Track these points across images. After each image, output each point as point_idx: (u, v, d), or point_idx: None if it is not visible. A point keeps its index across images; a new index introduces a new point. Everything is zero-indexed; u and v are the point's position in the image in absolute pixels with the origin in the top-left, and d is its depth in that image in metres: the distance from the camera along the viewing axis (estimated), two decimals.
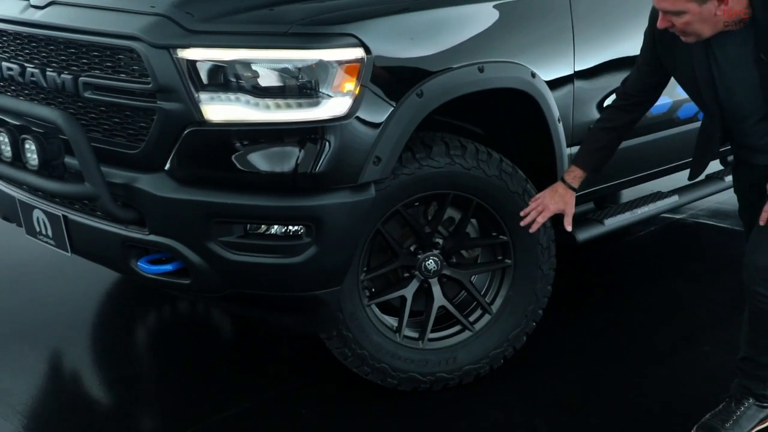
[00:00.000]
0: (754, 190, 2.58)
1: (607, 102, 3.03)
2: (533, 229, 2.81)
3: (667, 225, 4.65)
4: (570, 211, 2.81)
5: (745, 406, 2.62)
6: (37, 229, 2.87)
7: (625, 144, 3.37)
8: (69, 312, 3.58)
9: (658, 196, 3.80)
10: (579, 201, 3.40)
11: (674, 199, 3.77)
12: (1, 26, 2.86)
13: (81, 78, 2.57)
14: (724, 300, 3.66)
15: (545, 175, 3.02)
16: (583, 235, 3.37)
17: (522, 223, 2.82)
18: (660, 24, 2.31)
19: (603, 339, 3.36)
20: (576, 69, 3.04)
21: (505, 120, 3.11)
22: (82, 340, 3.41)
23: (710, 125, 2.58)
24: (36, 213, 2.84)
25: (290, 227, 2.50)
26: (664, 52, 2.51)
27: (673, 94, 3.48)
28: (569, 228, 2.81)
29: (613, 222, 3.47)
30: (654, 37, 2.51)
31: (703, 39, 2.30)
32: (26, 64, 2.76)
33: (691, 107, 3.34)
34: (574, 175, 2.81)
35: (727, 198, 4.59)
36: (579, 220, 3.49)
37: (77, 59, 2.60)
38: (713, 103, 2.45)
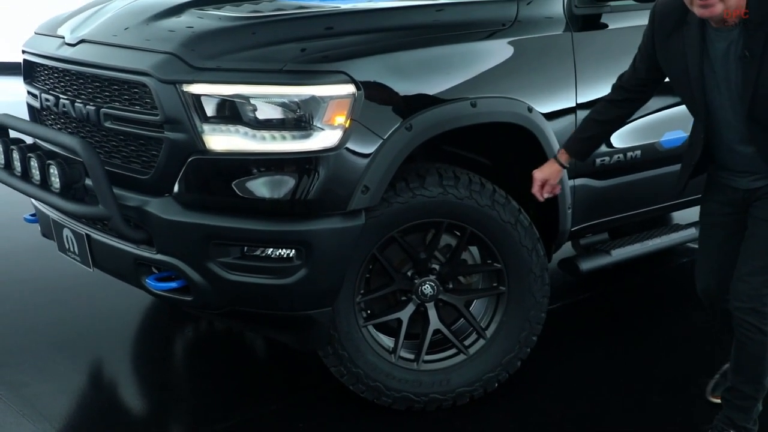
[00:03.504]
0: (730, 215, 2.64)
1: None
2: (541, 198, 2.90)
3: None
4: (552, 180, 2.87)
5: None
6: (67, 246, 3.14)
7: (638, 175, 3.48)
8: (98, 326, 3.83)
9: (674, 228, 3.83)
10: (592, 231, 3.51)
11: (690, 232, 3.79)
12: (42, 61, 3.17)
13: (102, 109, 2.83)
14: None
15: (550, 204, 3.13)
16: (587, 265, 3.45)
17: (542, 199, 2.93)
18: None
19: (601, 367, 3.42)
20: (578, 102, 3.14)
21: (509, 152, 3.23)
22: (109, 352, 3.65)
23: (695, 130, 2.63)
24: (65, 231, 3.11)
25: (283, 250, 2.67)
26: (660, 49, 2.57)
27: (689, 128, 3.53)
28: (539, 196, 2.89)
29: (620, 253, 3.53)
30: (653, 35, 2.60)
31: (720, 17, 2.32)
32: (60, 96, 3.04)
33: None
34: (563, 156, 2.90)
35: None
36: (586, 250, 3.58)
37: (101, 92, 2.86)
38: (701, 99, 2.50)
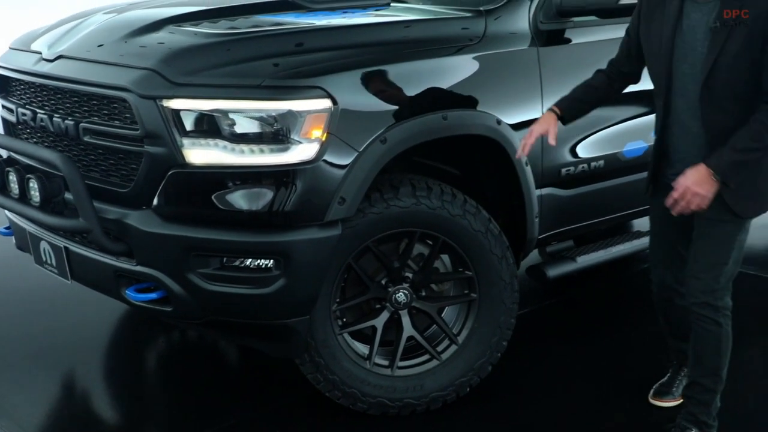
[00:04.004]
0: (678, 219, 2.75)
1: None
2: (525, 152, 2.88)
3: None
4: (553, 130, 2.86)
5: None
6: (44, 259, 3.17)
7: (602, 185, 3.60)
8: (74, 337, 3.86)
9: (636, 235, 3.97)
10: (558, 239, 3.63)
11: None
12: (19, 76, 3.20)
13: (81, 124, 2.87)
14: None
15: (518, 212, 3.24)
16: (554, 272, 3.56)
17: (517, 156, 2.99)
18: None
19: (570, 369, 3.53)
20: (545, 111, 3.24)
21: (479, 163, 3.33)
22: (86, 363, 3.67)
23: (657, 108, 2.77)
24: (43, 244, 3.14)
25: (261, 260, 2.74)
26: (644, 23, 2.74)
27: (649, 138, 3.67)
28: (553, 142, 2.87)
29: (585, 260, 3.65)
30: (639, 12, 2.77)
31: None
32: (37, 110, 3.07)
33: None
34: (556, 109, 2.93)
35: None
36: (552, 257, 3.70)
37: (79, 107, 2.90)
38: (667, 68, 2.64)
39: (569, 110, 2.92)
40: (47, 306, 4.15)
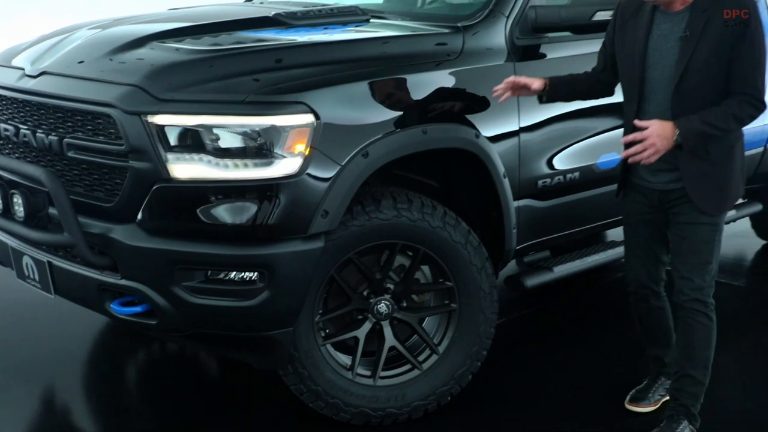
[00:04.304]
0: (649, 213, 2.94)
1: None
2: (501, 100, 3.02)
3: None
4: (538, 84, 3.01)
5: (680, 428, 2.93)
6: (26, 273, 3.18)
7: (577, 196, 3.69)
8: (53, 351, 3.86)
9: (611, 245, 4.05)
10: (535, 249, 3.70)
11: None
12: (1, 92, 3.21)
13: (65, 139, 2.89)
14: None
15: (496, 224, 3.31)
16: (531, 282, 3.63)
17: (494, 95, 3.05)
18: None
19: (548, 377, 3.60)
20: (521, 125, 3.33)
21: (458, 176, 3.40)
22: (66, 376, 3.67)
23: (627, 118, 2.91)
24: (25, 259, 3.14)
25: (246, 273, 2.78)
26: (618, 34, 2.91)
27: (621, 150, 3.76)
28: (535, 85, 3.01)
29: (562, 269, 3.73)
30: (614, 24, 2.95)
31: (672, 1, 2.74)
32: (20, 126, 3.09)
33: None
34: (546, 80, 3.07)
35: None
36: (530, 267, 3.77)
37: (63, 122, 2.92)
38: (640, 75, 2.80)
39: (557, 86, 3.06)
40: (28, 319, 4.14)
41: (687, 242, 2.87)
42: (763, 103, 2.73)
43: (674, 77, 2.72)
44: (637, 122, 2.74)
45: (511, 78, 3.02)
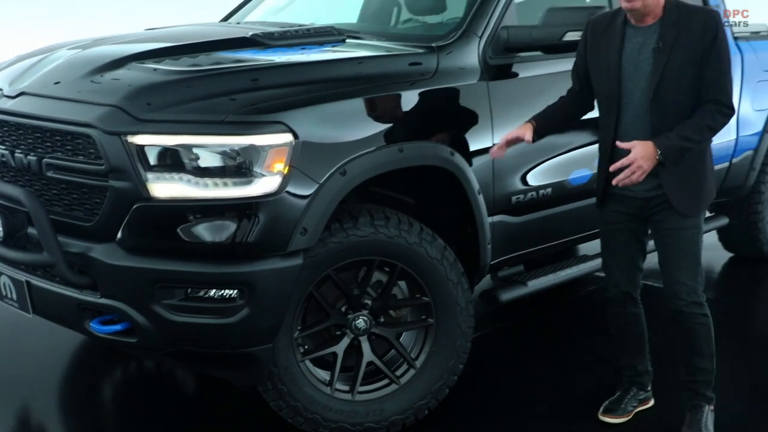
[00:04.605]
0: (629, 222, 3.09)
1: None
2: (498, 151, 3.16)
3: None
4: (527, 136, 3.11)
5: (705, 415, 3.14)
6: (4, 293, 3.17)
7: (550, 211, 3.76)
8: (32, 370, 3.84)
9: (583, 259, 4.14)
10: (509, 264, 3.77)
11: (597, 262, 4.08)
12: None
13: (45, 159, 2.91)
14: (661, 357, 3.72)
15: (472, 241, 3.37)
16: (506, 296, 3.70)
17: (491, 152, 3.23)
18: None
19: (524, 389, 3.67)
20: (495, 143, 3.39)
21: (434, 192, 3.45)
22: (44, 396, 3.66)
23: (606, 128, 3.04)
24: (3, 278, 3.14)
25: (226, 291, 2.80)
26: (591, 50, 3.07)
27: (593, 166, 3.85)
28: (527, 136, 3.11)
29: (535, 284, 3.80)
30: (585, 41, 3.10)
31: (644, 16, 2.90)
32: None
33: None
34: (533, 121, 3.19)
35: None
36: (504, 282, 3.84)
37: (42, 143, 2.94)
38: (617, 86, 2.95)
39: (543, 124, 3.17)
40: (5, 339, 4.11)
41: (674, 247, 3.03)
42: (733, 109, 2.92)
43: (651, 86, 2.89)
44: (619, 143, 2.88)
45: (503, 138, 3.14)
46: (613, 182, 2.88)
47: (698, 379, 3.15)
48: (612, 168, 2.89)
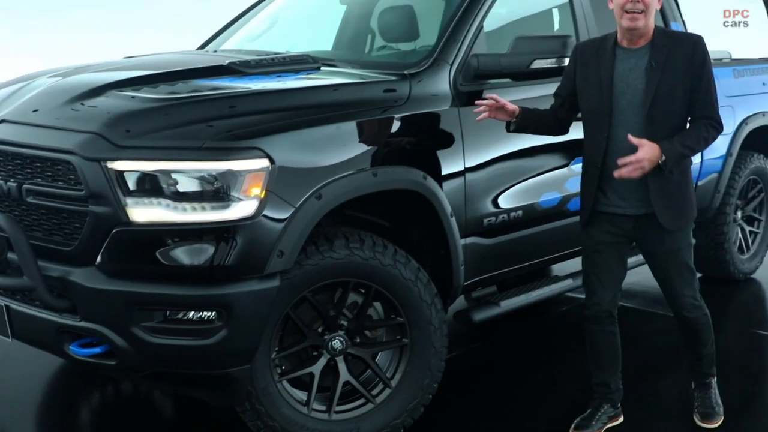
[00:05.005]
0: (616, 243, 3.26)
1: None
2: (479, 118, 3.29)
3: (579, 305, 5.06)
4: (512, 107, 3.28)
5: (713, 389, 3.54)
6: None
7: (521, 233, 3.86)
8: (10, 393, 3.87)
9: (554, 279, 4.24)
10: (482, 285, 3.85)
11: (568, 283, 4.21)
12: None
13: (24, 185, 2.96)
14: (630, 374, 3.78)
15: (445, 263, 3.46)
16: (479, 316, 3.78)
17: (474, 111, 3.32)
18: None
19: (498, 407, 3.73)
20: (466, 166, 3.50)
21: (408, 215, 3.54)
22: (22, 419, 3.69)
23: (595, 147, 3.18)
24: None
25: (204, 312, 2.86)
26: (580, 73, 3.23)
27: (563, 189, 3.97)
28: (510, 107, 3.27)
29: (508, 304, 3.89)
30: (575, 65, 3.27)
31: (639, 37, 3.10)
32: None
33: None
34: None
35: (637, 279, 5.04)
36: (477, 302, 3.92)
37: (22, 169, 2.99)
38: (609, 105, 3.12)
39: (525, 116, 3.32)
40: None
41: (668, 266, 3.27)
42: (722, 125, 3.15)
43: (645, 103, 3.08)
44: (630, 138, 3.01)
45: (494, 95, 3.29)
46: (615, 174, 3.02)
47: (704, 362, 3.48)
48: (621, 161, 3.01)
